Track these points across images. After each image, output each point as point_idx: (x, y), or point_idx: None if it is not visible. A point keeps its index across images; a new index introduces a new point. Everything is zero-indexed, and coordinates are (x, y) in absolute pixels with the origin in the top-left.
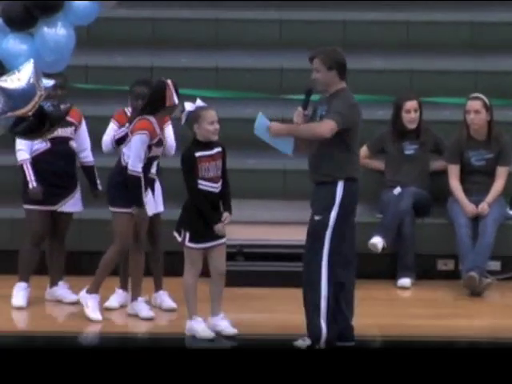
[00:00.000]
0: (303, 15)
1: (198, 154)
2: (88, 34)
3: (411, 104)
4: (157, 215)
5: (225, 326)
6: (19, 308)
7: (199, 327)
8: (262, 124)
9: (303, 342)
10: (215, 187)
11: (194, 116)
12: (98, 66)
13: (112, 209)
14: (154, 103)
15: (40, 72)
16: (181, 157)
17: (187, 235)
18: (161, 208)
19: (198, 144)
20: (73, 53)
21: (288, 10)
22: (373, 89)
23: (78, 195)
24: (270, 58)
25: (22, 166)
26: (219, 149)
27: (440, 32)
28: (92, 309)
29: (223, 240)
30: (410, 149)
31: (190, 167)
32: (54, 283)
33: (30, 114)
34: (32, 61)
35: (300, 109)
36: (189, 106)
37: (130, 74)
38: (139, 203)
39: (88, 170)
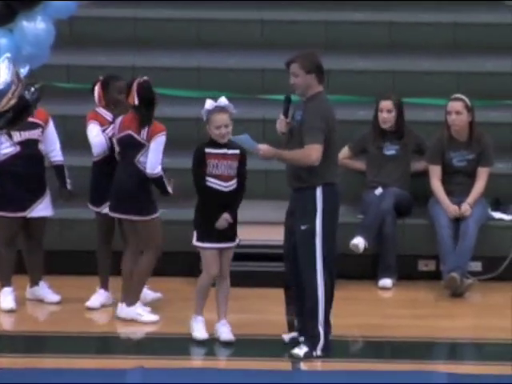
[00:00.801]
0: (285, 15)
1: (207, 150)
2: (70, 33)
3: (384, 104)
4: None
5: (223, 331)
6: (10, 311)
7: (195, 327)
8: (246, 142)
9: (300, 350)
10: (224, 186)
11: (207, 117)
12: (79, 66)
13: (143, 218)
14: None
15: (16, 66)
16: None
17: (195, 234)
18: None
19: (212, 142)
20: (54, 52)
21: (270, 10)
22: (355, 89)
23: (47, 199)
24: (251, 58)
25: None
26: (236, 151)
27: (423, 33)
28: (147, 316)
29: (234, 243)
30: (390, 149)
31: (197, 161)
32: (34, 283)
33: (6, 108)
34: (7, 56)
35: (281, 117)
36: (208, 105)
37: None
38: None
39: (58, 170)
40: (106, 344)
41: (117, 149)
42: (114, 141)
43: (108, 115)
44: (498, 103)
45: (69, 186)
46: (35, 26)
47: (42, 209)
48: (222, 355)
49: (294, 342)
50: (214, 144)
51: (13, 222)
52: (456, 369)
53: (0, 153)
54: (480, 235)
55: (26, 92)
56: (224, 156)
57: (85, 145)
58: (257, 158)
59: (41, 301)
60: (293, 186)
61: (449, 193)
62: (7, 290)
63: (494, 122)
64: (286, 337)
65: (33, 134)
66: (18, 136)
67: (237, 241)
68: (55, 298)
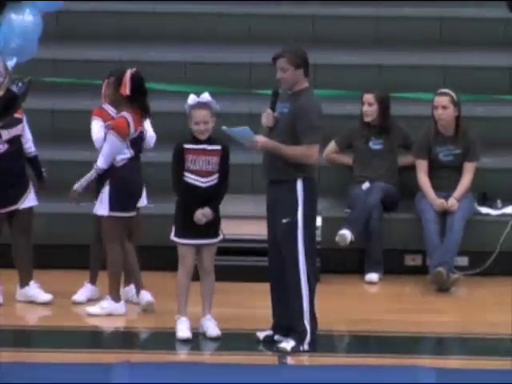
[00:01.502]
0: (272, 10)
1: (186, 146)
2: (56, 27)
3: (366, 97)
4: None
5: (208, 327)
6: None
7: (178, 327)
8: (245, 135)
9: (287, 344)
10: (201, 181)
11: (188, 113)
12: (66, 60)
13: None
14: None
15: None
16: None
17: (173, 229)
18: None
19: (192, 138)
20: (41, 46)
21: (257, 4)
22: (341, 84)
23: (32, 190)
24: (238, 52)
25: None
26: (217, 147)
27: (409, 27)
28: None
29: (214, 240)
30: (377, 144)
31: (175, 157)
32: (24, 283)
33: None
34: None
35: (269, 110)
36: (190, 100)
37: (98, 68)
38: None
39: (33, 161)
40: (93, 338)
41: (134, 149)
42: (129, 142)
43: (113, 112)
44: (485, 98)
45: (45, 174)
46: (23, 19)
47: (32, 199)
48: (208, 349)
49: (269, 340)
50: (195, 140)
51: (3, 217)
52: (442, 363)
53: None
54: (466, 230)
55: (14, 85)
56: (203, 151)
57: (72, 139)
58: (243, 151)
59: (32, 301)
60: (271, 177)
61: (435, 187)
62: None
63: (481, 117)
64: (261, 334)
65: (17, 129)
66: (6, 134)
67: (219, 237)
68: (47, 297)
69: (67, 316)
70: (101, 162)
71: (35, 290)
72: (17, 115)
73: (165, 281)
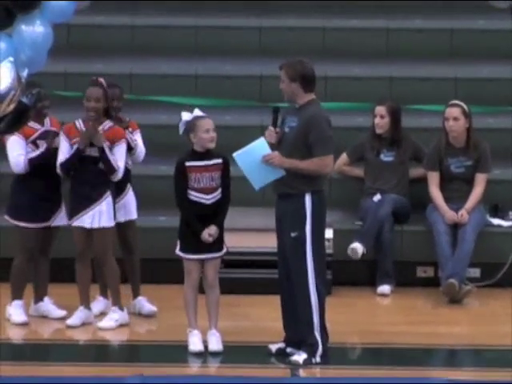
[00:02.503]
0: (283, 22)
1: (188, 164)
2: (67, 40)
3: (378, 109)
4: (129, 222)
5: (211, 341)
6: (22, 324)
7: (190, 341)
8: (260, 149)
9: (299, 356)
10: (206, 198)
11: (191, 125)
12: (77, 73)
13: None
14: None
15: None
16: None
17: (178, 244)
18: (132, 215)
19: (194, 154)
20: (52, 60)
21: (268, 16)
22: (352, 96)
23: (63, 208)
24: (249, 65)
25: (29, 174)
26: (218, 160)
27: (420, 39)
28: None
29: (219, 253)
30: (388, 156)
31: (178, 175)
32: (39, 298)
33: (6, 112)
34: (11, 60)
35: (271, 128)
36: (186, 116)
37: (109, 81)
38: None
39: None
40: (104, 351)
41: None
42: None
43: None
44: (496, 109)
45: None
46: (33, 30)
47: (63, 218)
48: (220, 362)
49: (281, 353)
50: (196, 155)
51: (36, 233)
52: (455, 375)
53: (25, 160)
54: (478, 241)
55: (24, 97)
56: (207, 168)
57: None
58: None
59: (45, 317)
60: (280, 191)
61: (447, 199)
62: (18, 303)
63: (492, 128)
64: (273, 347)
65: (56, 142)
66: (43, 145)
67: (223, 251)
68: (60, 313)
69: (78, 329)
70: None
71: (49, 306)
72: (53, 128)
73: (173, 293)
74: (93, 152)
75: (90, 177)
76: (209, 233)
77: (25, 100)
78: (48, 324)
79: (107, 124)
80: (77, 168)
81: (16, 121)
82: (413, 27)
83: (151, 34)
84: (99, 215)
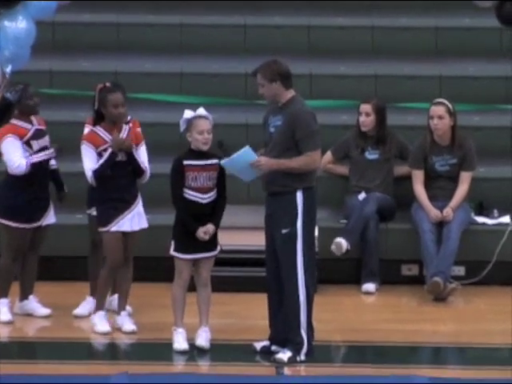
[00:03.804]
0: (268, 20)
1: (186, 162)
2: (52, 38)
3: (363, 107)
4: (133, 233)
5: (199, 336)
6: (8, 323)
7: (175, 339)
8: (247, 156)
9: (284, 354)
10: (202, 198)
11: (189, 124)
12: (62, 71)
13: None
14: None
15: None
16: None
17: (172, 244)
18: (143, 224)
19: (191, 153)
20: (37, 58)
21: (253, 15)
22: (337, 94)
23: (52, 206)
24: (234, 63)
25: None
26: (215, 160)
27: (405, 37)
28: (100, 327)
29: (213, 253)
30: (373, 154)
31: (175, 174)
32: (24, 297)
33: None
34: None
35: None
36: (187, 114)
37: (94, 79)
38: None
39: (55, 174)
40: (90, 350)
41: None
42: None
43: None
44: (481, 107)
45: (65, 189)
46: (16, 26)
47: (52, 216)
48: (205, 360)
49: (265, 351)
50: (193, 154)
51: (26, 234)
52: (439, 373)
53: (28, 162)
54: (463, 239)
55: (8, 92)
56: (203, 167)
57: (68, 150)
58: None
59: (30, 315)
60: (270, 190)
61: (432, 197)
62: (4, 301)
63: (477, 126)
64: (258, 345)
65: (45, 141)
66: (36, 145)
67: (217, 250)
68: (45, 311)
69: (64, 328)
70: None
71: (34, 304)
72: (41, 127)
73: (161, 292)
74: (121, 157)
75: (123, 181)
76: (204, 231)
77: (9, 96)
78: (33, 322)
79: (126, 128)
80: (108, 174)
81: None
82: (398, 25)
83: (136, 32)
84: (138, 217)
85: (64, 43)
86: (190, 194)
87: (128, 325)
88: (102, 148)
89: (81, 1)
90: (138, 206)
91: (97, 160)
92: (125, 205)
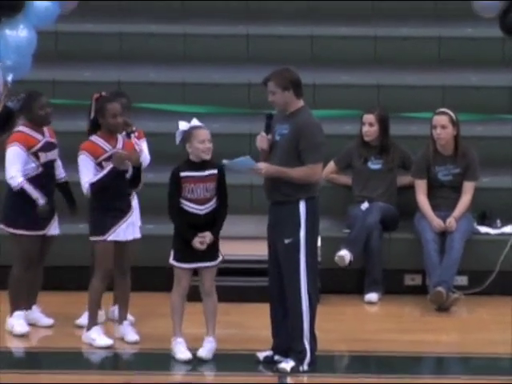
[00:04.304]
0: (271, 30)
1: (183, 174)
2: (55, 48)
3: (366, 117)
4: (127, 242)
5: (205, 347)
6: (24, 335)
7: (176, 350)
8: (246, 164)
9: (287, 364)
10: (199, 209)
11: (187, 135)
12: (65, 81)
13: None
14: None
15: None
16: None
17: (172, 253)
18: (136, 234)
19: (189, 164)
20: (40, 67)
21: (255, 24)
22: (340, 104)
23: (56, 217)
24: (237, 73)
25: (21, 189)
26: (213, 171)
27: (408, 47)
28: (100, 340)
29: (213, 263)
30: (376, 164)
31: (172, 185)
32: (28, 307)
33: None
34: None
35: (263, 133)
36: (183, 126)
37: (97, 89)
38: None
39: (65, 187)
40: (92, 360)
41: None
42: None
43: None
44: (484, 117)
45: (76, 203)
46: (17, 35)
47: (56, 227)
48: (208, 370)
49: (268, 361)
50: (191, 165)
51: (35, 242)
52: (442, 383)
53: (23, 173)
54: (466, 249)
55: (10, 101)
56: (202, 179)
57: (70, 160)
58: (243, 172)
59: (33, 325)
60: (274, 199)
61: (435, 207)
62: (19, 314)
63: (480, 136)
64: (261, 355)
65: (53, 154)
66: (43, 157)
67: (218, 259)
68: (48, 321)
69: (66, 338)
70: None
71: (37, 314)
72: (51, 139)
73: (161, 301)
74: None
75: (119, 190)
76: (200, 241)
77: (10, 104)
78: (35, 332)
79: (121, 138)
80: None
81: (1, 125)
82: (400, 35)
83: (139, 42)
84: (132, 227)
85: (67, 53)
86: (187, 206)
87: (131, 335)
88: (102, 158)
89: (84, 11)
90: (133, 216)
91: (95, 171)
92: (120, 214)
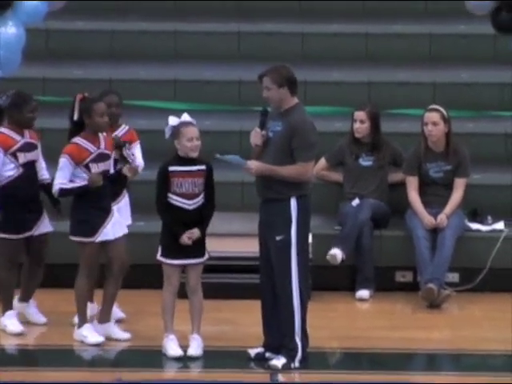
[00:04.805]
0: (262, 27)
1: (171, 169)
2: (46, 46)
3: (357, 114)
4: (116, 240)
5: (191, 346)
6: (19, 334)
7: (167, 346)
8: (237, 161)
9: (278, 361)
10: (188, 204)
11: (176, 132)
12: (55, 79)
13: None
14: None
15: None
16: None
17: (159, 249)
18: (124, 230)
19: (178, 159)
20: (30, 65)
21: (246, 22)
22: (331, 101)
23: (46, 215)
24: (228, 70)
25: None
26: (202, 167)
27: (398, 44)
28: (91, 337)
29: (201, 259)
30: (367, 160)
31: (160, 179)
32: (23, 299)
33: None
34: None
35: (257, 129)
36: (172, 121)
37: (88, 87)
38: None
39: (49, 188)
40: (83, 357)
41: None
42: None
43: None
44: (475, 114)
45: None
46: (6, 31)
47: (46, 225)
48: (199, 367)
49: (260, 358)
50: (180, 160)
51: (18, 244)
52: (434, 380)
53: (3, 175)
54: (457, 246)
55: (1, 99)
56: (190, 174)
57: (58, 158)
58: (234, 170)
59: (27, 321)
60: (264, 196)
61: (426, 204)
62: (11, 313)
63: (471, 133)
64: (252, 352)
65: (33, 155)
66: (22, 157)
67: (205, 257)
68: (41, 319)
69: (58, 335)
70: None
71: (32, 310)
72: (33, 141)
73: (153, 299)
74: (102, 167)
75: (104, 190)
76: (188, 236)
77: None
78: (27, 329)
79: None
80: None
81: None
82: (392, 32)
83: (130, 39)
84: (118, 224)
85: (57, 51)
86: (175, 200)
87: (120, 333)
88: (87, 160)
89: (74, 9)
90: (115, 213)
91: (70, 175)
92: (105, 214)
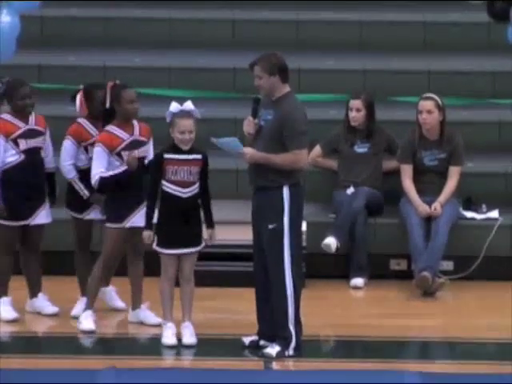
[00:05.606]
0: (256, 15)
1: (166, 156)
2: (41, 33)
3: (354, 103)
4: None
5: (185, 334)
6: (13, 321)
7: (164, 333)
8: (233, 146)
9: (272, 349)
10: (182, 192)
11: (172, 121)
12: (51, 66)
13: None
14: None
15: None
16: None
17: (155, 239)
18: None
19: (174, 147)
20: (25, 52)
21: (241, 9)
22: (326, 88)
23: (47, 206)
24: (223, 57)
25: None
26: (198, 156)
27: (393, 32)
28: (85, 324)
29: (197, 248)
30: (361, 148)
31: (154, 166)
32: (33, 295)
33: None
34: None
35: (250, 118)
36: (173, 107)
37: (82, 74)
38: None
39: (50, 178)
40: (77, 344)
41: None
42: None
43: (92, 129)
44: (469, 102)
45: (56, 195)
46: (0, 20)
47: (44, 216)
48: (193, 355)
49: (254, 346)
50: (176, 149)
51: (14, 230)
52: (428, 368)
53: (4, 161)
54: (451, 234)
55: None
56: (185, 161)
57: (58, 145)
58: (228, 157)
59: (38, 313)
60: (257, 184)
61: (420, 192)
62: (6, 299)
63: (465, 121)
64: (246, 340)
65: (37, 141)
66: (23, 144)
67: (201, 246)
68: (53, 310)
69: (50, 323)
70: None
71: (43, 302)
72: (39, 127)
73: (148, 287)
74: (137, 152)
75: (136, 177)
76: (148, 235)
77: None
78: (22, 317)
79: (137, 124)
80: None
81: None
82: (386, 20)
83: (125, 27)
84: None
85: (52, 38)
86: (170, 188)
87: (153, 318)
88: (120, 148)
89: None
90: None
91: (108, 163)
92: (137, 200)
